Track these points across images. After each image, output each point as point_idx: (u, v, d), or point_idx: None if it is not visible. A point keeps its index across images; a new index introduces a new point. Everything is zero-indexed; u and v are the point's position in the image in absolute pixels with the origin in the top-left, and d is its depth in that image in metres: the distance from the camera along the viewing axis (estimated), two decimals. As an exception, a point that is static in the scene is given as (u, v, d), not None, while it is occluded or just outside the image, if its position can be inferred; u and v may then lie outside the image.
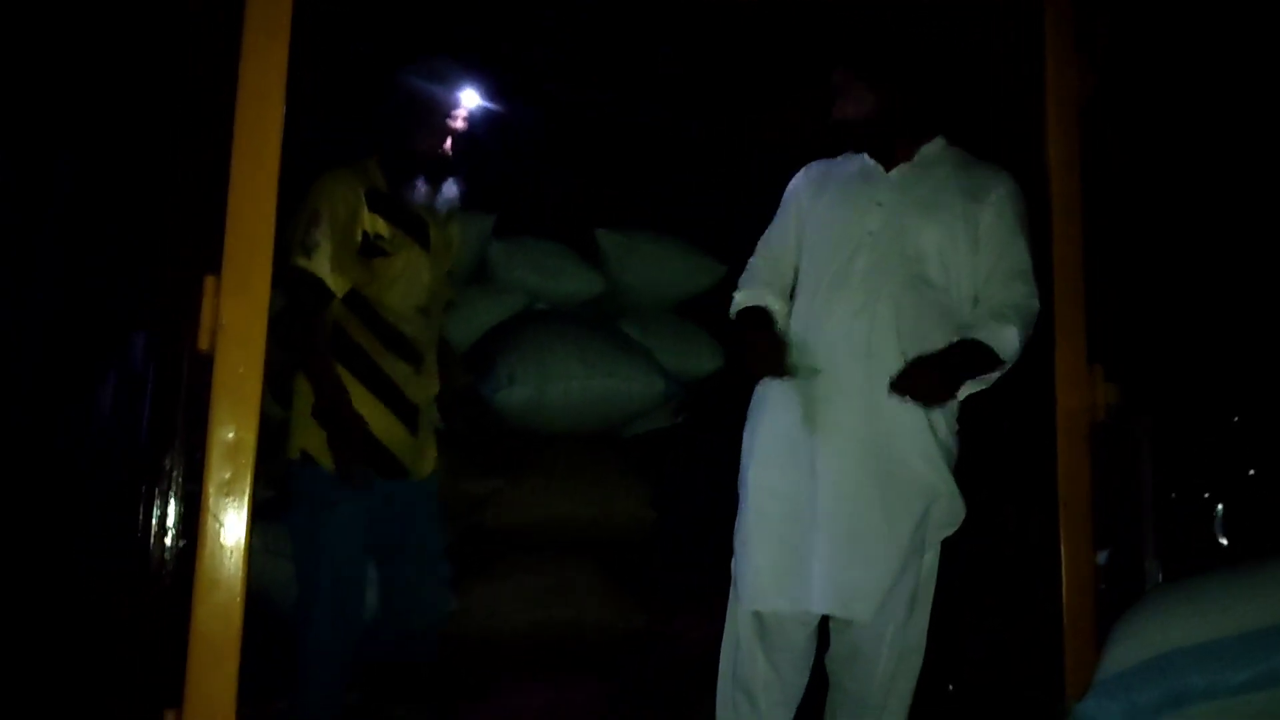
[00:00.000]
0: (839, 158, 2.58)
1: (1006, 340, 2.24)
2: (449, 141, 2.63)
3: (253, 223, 1.86)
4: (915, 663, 2.33)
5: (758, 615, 2.38)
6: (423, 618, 2.66)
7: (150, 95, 2.35)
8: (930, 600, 2.34)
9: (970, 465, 2.39)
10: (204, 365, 1.83)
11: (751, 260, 2.62)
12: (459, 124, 2.64)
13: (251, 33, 1.94)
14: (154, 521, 1.93)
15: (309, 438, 2.50)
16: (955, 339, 2.29)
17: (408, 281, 2.62)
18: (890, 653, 2.30)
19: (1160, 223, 2.41)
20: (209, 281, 1.83)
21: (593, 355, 3.23)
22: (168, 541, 1.94)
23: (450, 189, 2.69)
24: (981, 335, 2.25)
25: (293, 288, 2.49)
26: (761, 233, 2.67)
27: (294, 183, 2.39)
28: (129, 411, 2.34)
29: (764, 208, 2.83)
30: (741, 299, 2.57)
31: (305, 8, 1.96)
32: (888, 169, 2.45)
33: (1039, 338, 2.34)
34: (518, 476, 3.10)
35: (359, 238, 2.54)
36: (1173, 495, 2.22)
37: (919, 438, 2.27)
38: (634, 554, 3.30)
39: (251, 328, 1.84)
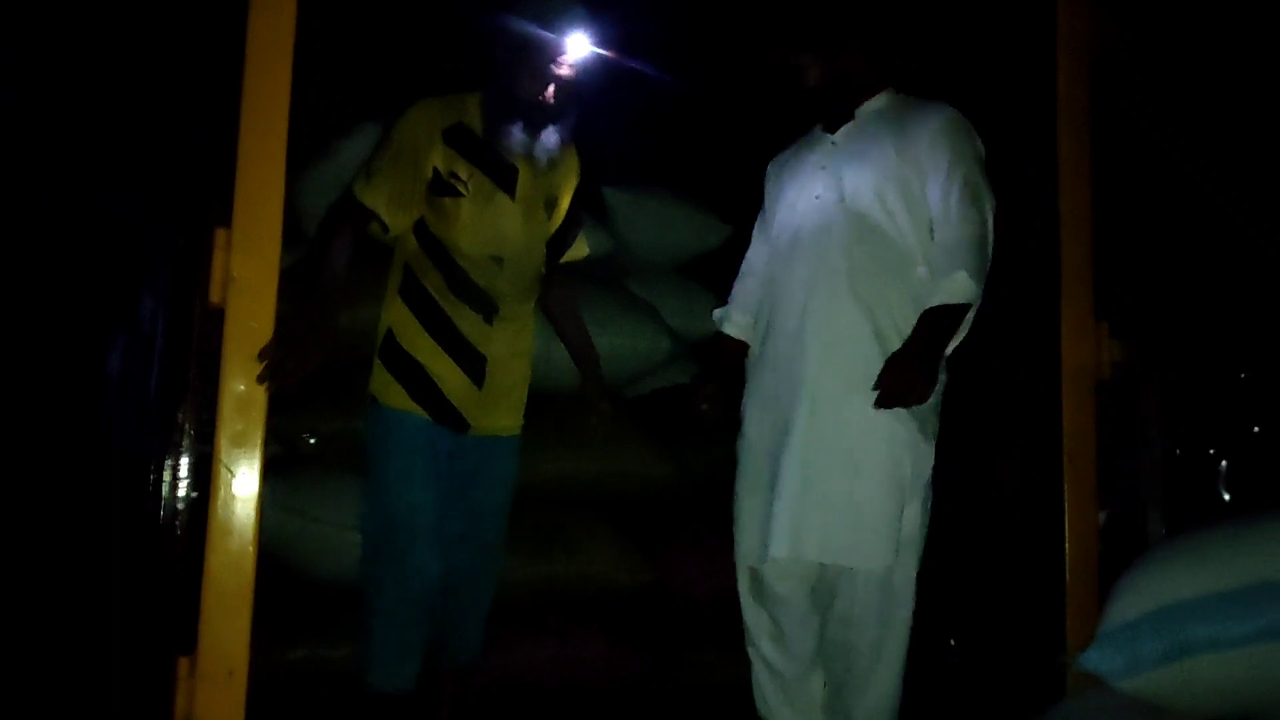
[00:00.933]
0: (805, 136, 2.62)
1: (959, 287, 2.20)
2: (551, 88, 2.47)
3: (263, 175, 1.86)
4: (902, 615, 2.34)
5: (752, 571, 2.44)
6: (477, 580, 2.57)
7: (164, 49, 2.35)
8: (917, 551, 2.35)
9: (976, 420, 2.41)
10: (216, 318, 1.85)
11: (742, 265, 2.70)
12: (564, 71, 2.48)
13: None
14: (168, 473, 1.94)
15: (376, 380, 2.46)
16: (909, 273, 2.30)
17: (484, 226, 2.47)
18: (869, 599, 2.32)
19: (1168, 180, 2.40)
20: (220, 234, 1.83)
21: (601, 314, 3.23)
22: (181, 492, 1.96)
23: (553, 138, 2.51)
24: (935, 299, 2.24)
25: (338, 210, 2.44)
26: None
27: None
28: (142, 368, 2.36)
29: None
30: (716, 318, 2.71)
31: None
32: (834, 133, 2.49)
33: (1046, 294, 2.35)
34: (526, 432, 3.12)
35: (429, 172, 2.43)
36: (1177, 451, 2.23)
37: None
38: (642, 509, 3.32)
39: (262, 281, 1.85)
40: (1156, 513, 2.24)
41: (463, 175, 2.44)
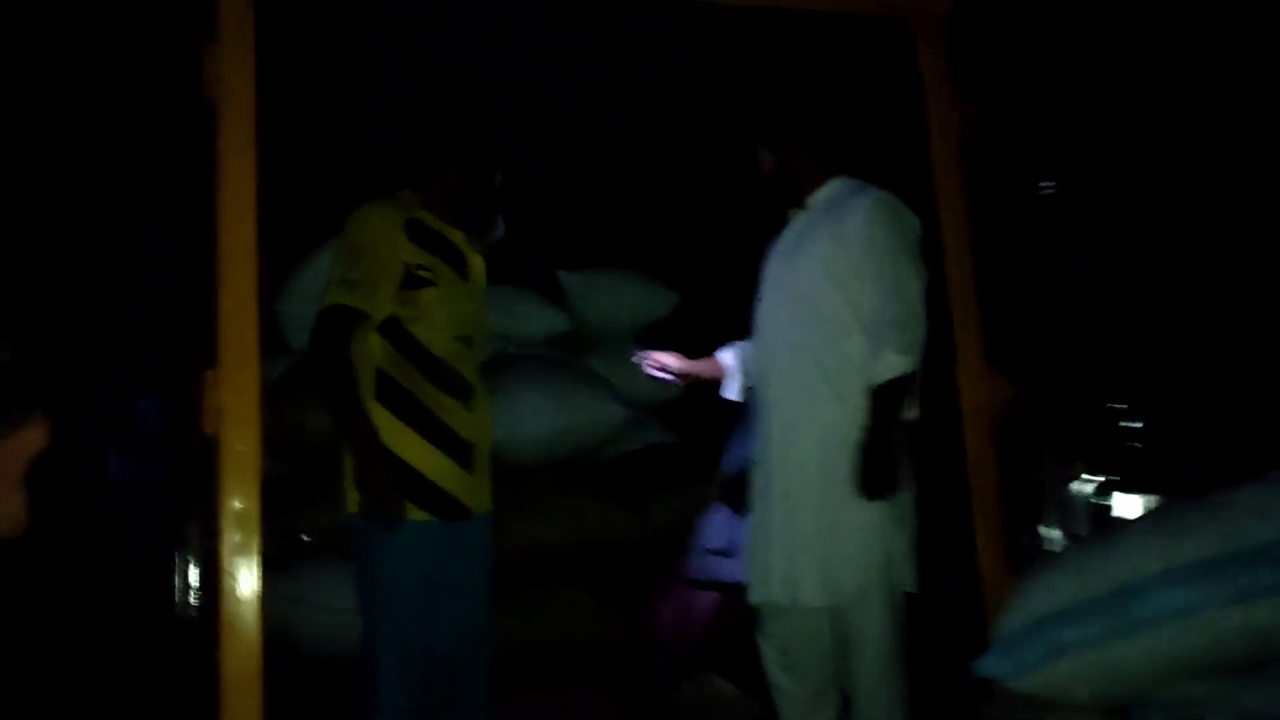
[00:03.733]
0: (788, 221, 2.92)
1: (890, 366, 2.44)
2: (496, 181, 2.64)
3: (241, 321, 2.16)
4: (897, 635, 2.55)
5: (758, 608, 2.69)
6: (473, 654, 2.62)
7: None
8: (906, 577, 2.58)
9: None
10: (210, 445, 2.14)
11: None
12: (504, 160, 2.64)
13: (225, 152, 2.25)
14: (178, 581, 2.22)
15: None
16: (854, 339, 2.56)
17: (451, 312, 2.58)
18: (865, 624, 2.54)
19: (1036, 239, 2.72)
20: (208, 375, 2.13)
21: (555, 392, 3.51)
22: (192, 598, 2.23)
23: (493, 224, 2.67)
24: (876, 380, 2.46)
25: (329, 324, 2.47)
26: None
27: (334, 217, 2.55)
28: (148, 477, 2.60)
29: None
30: (722, 390, 3.12)
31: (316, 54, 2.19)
32: (795, 219, 2.79)
33: (942, 344, 2.64)
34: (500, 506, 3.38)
35: (401, 270, 2.50)
36: (1066, 474, 2.53)
37: (837, 433, 2.55)
38: (615, 565, 3.58)
39: (248, 411, 2.14)
40: (1055, 527, 2.52)
41: (429, 266, 2.55)
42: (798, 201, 2.77)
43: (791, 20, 2.99)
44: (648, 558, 3.59)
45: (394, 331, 2.53)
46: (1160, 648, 1.94)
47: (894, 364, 2.45)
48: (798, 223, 2.76)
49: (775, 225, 2.93)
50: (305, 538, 3.22)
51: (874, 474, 2.46)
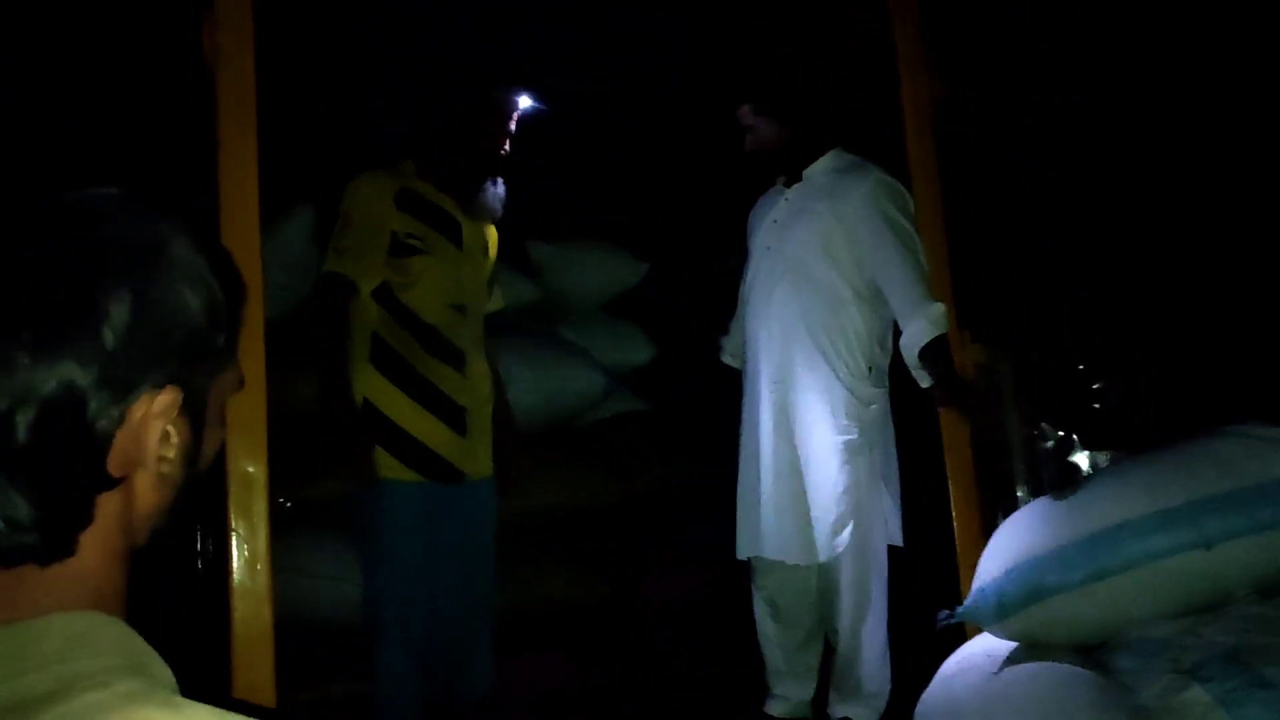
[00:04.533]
0: (772, 189, 3.00)
1: (933, 325, 2.55)
2: (493, 151, 2.69)
3: (244, 277, 2.19)
4: (880, 584, 2.68)
5: (749, 561, 2.80)
6: (476, 617, 2.71)
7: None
8: (891, 528, 2.71)
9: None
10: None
11: None
12: (505, 135, 2.69)
13: (225, 119, 2.28)
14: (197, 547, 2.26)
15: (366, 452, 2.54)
16: (847, 310, 2.66)
17: (443, 280, 2.63)
18: (849, 574, 2.68)
19: (1008, 209, 2.84)
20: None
21: (538, 363, 3.59)
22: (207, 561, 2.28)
23: (490, 191, 2.71)
24: (923, 341, 2.56)
25: (321, 291, 2.57)
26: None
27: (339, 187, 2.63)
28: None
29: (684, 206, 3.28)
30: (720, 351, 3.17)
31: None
32: (789, 189, 2.89)
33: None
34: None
35: (389, 238, 2.57)
36: (1034, 433, 2.66)
37: (828, 397, 2.67)
38: (597, 530, 3.67)
39: (255, 375, 2.18)
40: (1022, 483, 2.65)
41: (419, 234, 2.62)
42: (794, 171, 2.87)
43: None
44: (632, 524, 3.69)
45: (387, 298, 2.60)
46: (1131, 590, 2.07)
47: (935, 324, 2.57)
48: (794, 194, 2.85)
49: (755, 195, 3.03)
50: (287, 504, 3.26)
51: (969, 407, 2.56)
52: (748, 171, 2.99)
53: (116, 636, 0.74)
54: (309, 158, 3.16)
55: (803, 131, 2.82)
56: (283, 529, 3.29)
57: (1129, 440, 2.57)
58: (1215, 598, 2.03)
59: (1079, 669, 2.13)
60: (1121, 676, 2.06)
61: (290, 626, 3.26)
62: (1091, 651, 2.20)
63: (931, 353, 2.56)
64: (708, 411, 3.55)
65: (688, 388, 4.03)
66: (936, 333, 2.55)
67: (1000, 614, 2.17)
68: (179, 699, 0.70)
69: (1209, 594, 2.04)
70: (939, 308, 2.55)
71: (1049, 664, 2.13)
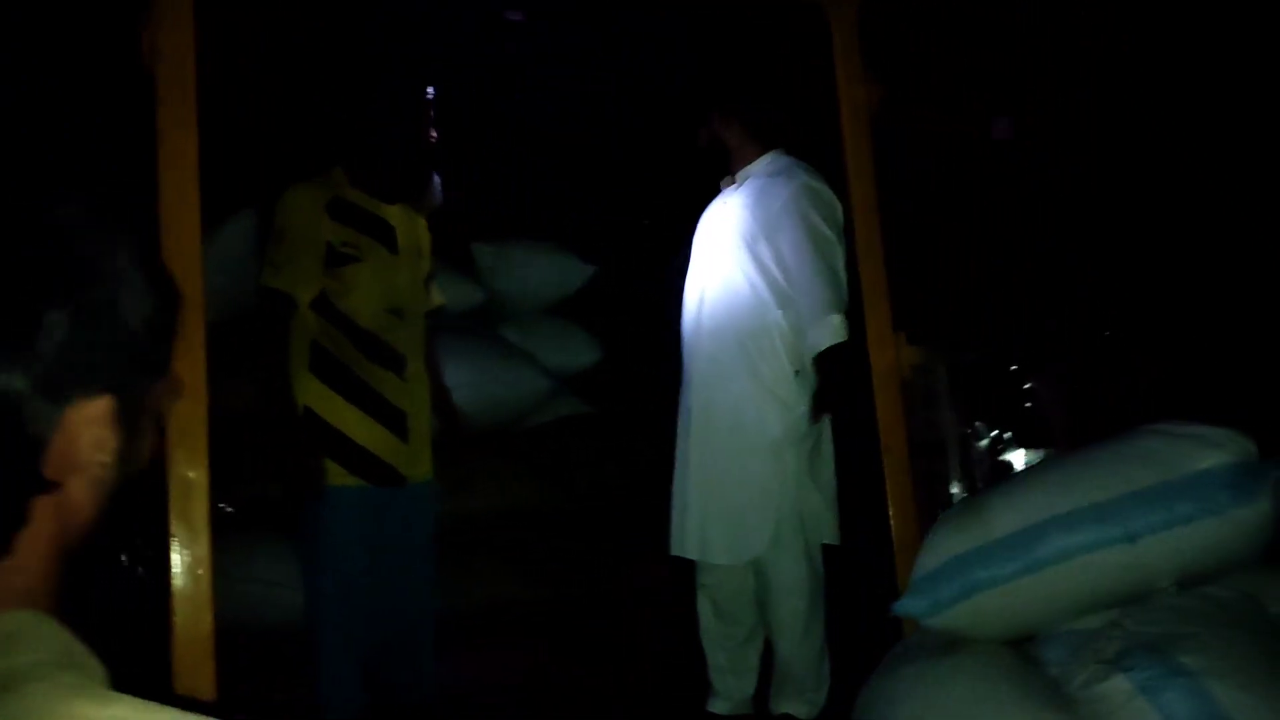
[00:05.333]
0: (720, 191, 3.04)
1: (831, 333, 2.63)
2: (413, 146, 2.73)
3: (188, 295, 2.19)
4: (816, 584, 2.72)
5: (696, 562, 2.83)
6: (418, 619, 2.73)
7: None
8: (828, 529, 2.75)
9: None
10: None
11: None
12: (427, 134, 2.76)
13: (164, 121, 2.27)
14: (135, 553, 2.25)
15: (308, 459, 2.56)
16: (771, 315, 2.70)
17: (379, 285, 2.65)
18: (788, 573, 2.72)
19: (940, 214, 2.90)
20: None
21: (481, 365, 3.60)
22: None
23: (420, 191, 2.78)
24: (820, 347, 2.64)
25: (261, 305, 2.58)
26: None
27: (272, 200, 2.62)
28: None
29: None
30: None
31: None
32: (728, 191, 2.93)
33: (851, 311, 2.81)
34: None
35: (323, 249, 2.61)
36: (968, 431, 2.73)
37: (752, 398, 2.72)
38: (542, 530, 3.69)
39: (196, 381, 2.17)
40: (958, 480, 2.72)
41: (352, 242, 2.64)
42: (729, 172, 2.91)
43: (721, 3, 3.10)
44: (571, 525, 3.72)
45: (325, 307, 2.63)
46: (1060, 584, 2.13)
47: (831, 333, 2.61)
48: (730, 195, 2.89)
49: (704, 197, 3.07)
50: (227, 509, 3.25)
51: (828, 406, 2.65)
52: (693, 171, 3.03)
53: (50, 633, 0.76)
54: (251, 161, 3.14)
55: (739, 132, 2.86)
56: (220, 534, 3.29)
57: (1061, 438, 2.64)
58: (1140, 590, 2.10)
59: (1011, 661, 2.19)
60: (1051, 668, 2.12)
61: (228, 631, 3.27)
62: (1024, 644, 2.27)
63: (822, 362, 2.61)
64: (653, 413, 3.58)
65: (633, 390, 4.07)
66: (829, 342, 2.60)
67: (934, 609, 2.22)
68: (108, 693, 0.72)
69: (1134, 586, 2.11)
70: (836, 319, 2.60)
71: (982, 656, 2.19)
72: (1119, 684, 1.82)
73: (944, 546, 2.27)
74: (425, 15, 3.54)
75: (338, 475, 2.59)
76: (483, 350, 3.72)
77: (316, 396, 2.61)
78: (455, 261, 4.16)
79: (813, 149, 2.90)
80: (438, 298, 3.00)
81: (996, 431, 2.76)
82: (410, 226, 2.81)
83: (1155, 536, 2.07)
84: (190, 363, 2.18)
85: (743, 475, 2.70)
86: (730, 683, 2.84)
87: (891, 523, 2.75)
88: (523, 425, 4.01)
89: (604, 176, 4.28)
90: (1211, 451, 2.10)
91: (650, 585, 3.46)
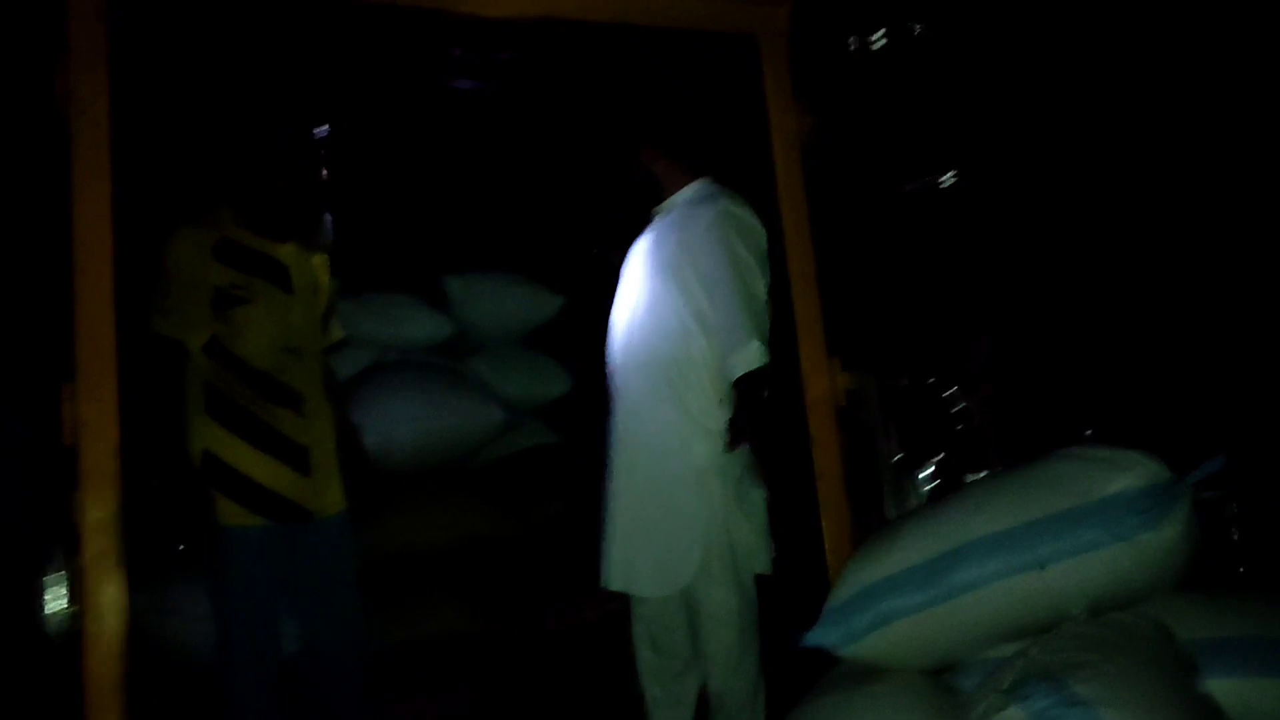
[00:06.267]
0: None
1: (747, 360, 2.56)
2: (299, 181, 2.70)
3: (98, 333, 2.21)
4: (750, 615, 2.69)
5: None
6: (342, 652, 2.70)
7: None
8: (759, 559, 2.72)
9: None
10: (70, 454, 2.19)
11: None
12: (307, 165, 2.72)
13: (79, 170, 2.30)
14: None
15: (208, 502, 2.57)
16: (695, 342, 2.68)
17: (272, 326, 2.64)
18: (720, 604, 2.69)
19: (871, 239, 2.89)
20: (66, 388, 2.18)
21: (431, 397, 3.60)
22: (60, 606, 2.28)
23: (307, 226, 2.74)
24: (735, 374, 2.59)
25: (151, 352, 2.56)
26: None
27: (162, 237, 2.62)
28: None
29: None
30: None
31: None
32: (656, 219, 2.93)
33: (784, 338, 2.80)
34: (377, 514, 3.44)
35: (211, 292, 2.59)
36: (900, 456, 2.70)
37: (676, 427, 2.70)
38: (491, 564, 3.67)
39: (106, 423, 2.19)
40: (890, 504, 2.69)
41: (241, 284, 2.63)
42: (658, 202, 2.91)
43: (647, 35, 3.12)
44: (527, 557, 3.70)
45: (216, 349, 2.62)
46: (970, 613, 2.11)
47: (749, 359, 2.59)
48: (658, 223, 2.90)
49: (641, 226, 3.07)
50: (180, 547, 3.26)
51: (739, 435, 2.59)
52: (625, 201, 3.03)
53: None
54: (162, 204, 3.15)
55: (665, 163, 2.86)
56: (173, 573, 3.31)
57: (989, 462, 2.62)
58: (1053, 618, 2.07)
59: (927, 690, 2.16)
60: (962, 697, 2.09)
61: (174, 669, 3.28)
62: (944, 673, 2.24)
63: (740, 389, 2.60)
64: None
65: (600, 420, 4.06)
66: (746, 368, 2.58)
67: (846, 639, 2.20)
68: None
69: (1048, 614, 2.08)
70: (754, 344, 2.58)
71: (898, 686, 2.16)
72: (1014, 714, 1.78)
73: (856, 576, 2.25)
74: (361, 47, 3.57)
75: (238, 515, 2.59)
76: (434, 381, 3.72)
77: (213, 439, 2.61)
78: (423, 292, 4.20)
79: (741, 177, 2.89)
80: (338, 332, 2.99)
81: (934, 455, 2.73)
82: (304, 264, 2.80)
83: (1064, 563, 2.04)
84: (100, 402, 2.20)
85: (668, 505, 2.67)
86: (666, 715, 2.81)
87: (826, 550, 2.74)
88: (486, 455, 4.01)
89: (568, 206, 4.30)
90: (1120, 475, 2.06)
91: (599, 618, 3.44)
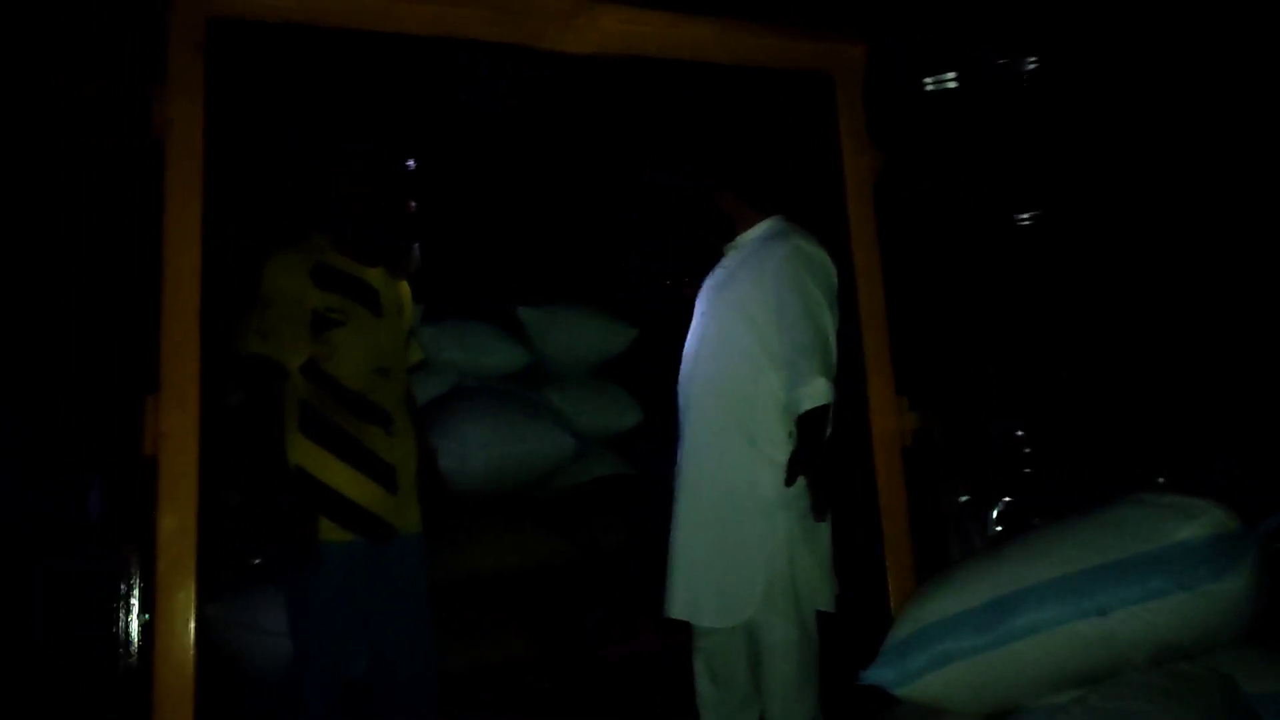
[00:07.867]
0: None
1: (813, 396, 2.58)
2: (390, 209, 2.79)
3: (184, 349, 2.31)
4: (811, 651, 2.68)
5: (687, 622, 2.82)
6: (414, 672, 2.74)
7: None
8: (824, 596, 2.71)
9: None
10: (150, 467, 2.28)
11: None
12: (398, 192, 2.82)
13: (172, 185, 2.41)
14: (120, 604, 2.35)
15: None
16: (765, 377, 2.70)
17: (364, 347, 2.71)
18: (781, 640, 2.68)
19: (943, 280, 2.88)
20: (149, 400, 2.28)
21: (508, 425, 3.66)
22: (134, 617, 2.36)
23: (397, 253, 2.82)
24: (800, 409, 2.60)
25: (249, 373, 2.64)
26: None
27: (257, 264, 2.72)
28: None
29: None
30: None
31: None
32: (727, 255, 2.96)
33: (853, 375, 2.80)
34: (446, 538, 3.50)
35: (309, 315, 2.67)
36: (965, 498, 2.67)
37: (743, 462, 2.71)
38: (556, 592, 3.71)
39: (187, 433, 2.28)
40: (956, 546, 2.66)
41: (337, 307, 2.71)
42: (729, 239, 2.94)
43: (722, 71, 3.16)
44: (591, 586, 3.73)
45: (312, 370, 2.70)
46: (1029, 658, 2.07)
47: (815, 394, 2.60)
48: (729, 260, 2.93)
49: (713, 260, 3.10)
50: (256, 561, 3.35)
51: (817, 496, 2.59)
52: (697, 238, 3.06)
53: None
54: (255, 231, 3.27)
55: (735, 201, 2.89)
56: (244, 587, 3.41)
57: (1056, 506, 2.57)
58: (1114, 666, 2.02)
59: (984, 736, 2.12)
60: (1019, 744, 2.05)
61: (250, 682, 3.37)
62: (1002, 718, 2.20)
63: (803, 425, 2.59)
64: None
65: (669, 451, 4.08)
66: (811, 405, 2.58)
67: (902, 679, 2.17)
68: None
69: (1108, 661, 2.03)
70: (820, 382, 2.58)
71: (955, 730, 2.13)
72: (1069, 762, 1.75)
73: (915, 615, 2.22)
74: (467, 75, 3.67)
75: (330, 530, 2.64)
76: (508, 409, 3.78)
77: (306, 455, 2.68)
78: (500, 323, 4.28)
79: (812, 216, 2.91)
80: (417, 354, 3.07)
81: (1001, 497, 2.69)
82: (391, 288, 2.89)
83: (1127, 610, 2.00)
84: (183, 414, 2.29)
85: (733, 537, 2.68)
86: None
87: (890, 589, 2.71)
88: (557, 483, 4.05)
89: (643, 240, 4.35)
90: (1188, 523, 2.02)
91: (660, 649, 3.44)
